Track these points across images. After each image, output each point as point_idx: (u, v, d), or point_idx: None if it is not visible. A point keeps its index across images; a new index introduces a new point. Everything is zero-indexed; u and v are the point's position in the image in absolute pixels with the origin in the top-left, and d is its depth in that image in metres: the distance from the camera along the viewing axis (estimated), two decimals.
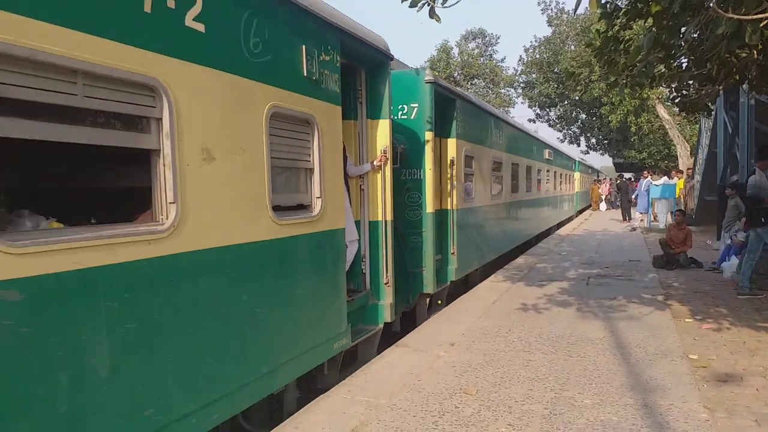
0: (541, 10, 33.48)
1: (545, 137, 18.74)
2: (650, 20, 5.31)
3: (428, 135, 7.00)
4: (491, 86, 40.33)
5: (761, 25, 3.97)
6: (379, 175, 5.73)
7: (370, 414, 4.04)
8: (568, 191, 23.38)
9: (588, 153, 40.18)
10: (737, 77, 6.49)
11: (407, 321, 7.07)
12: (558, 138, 39.67)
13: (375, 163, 5.70)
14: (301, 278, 4.26)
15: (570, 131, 38.66)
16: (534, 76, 35.80)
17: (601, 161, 54.87)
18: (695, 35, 5.56)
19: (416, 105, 6.94)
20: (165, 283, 2.97)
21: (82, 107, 2.55)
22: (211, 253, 3.29)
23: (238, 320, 3.55)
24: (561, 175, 21.13)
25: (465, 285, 9.09)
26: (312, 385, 5.01)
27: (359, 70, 5.57)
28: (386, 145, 5.74)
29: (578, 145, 39.35)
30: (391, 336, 6.29)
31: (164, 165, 2.94)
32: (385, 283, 5.82)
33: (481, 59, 40.01)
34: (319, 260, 4.54)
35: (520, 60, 37.42)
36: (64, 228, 2.74)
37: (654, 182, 18.86)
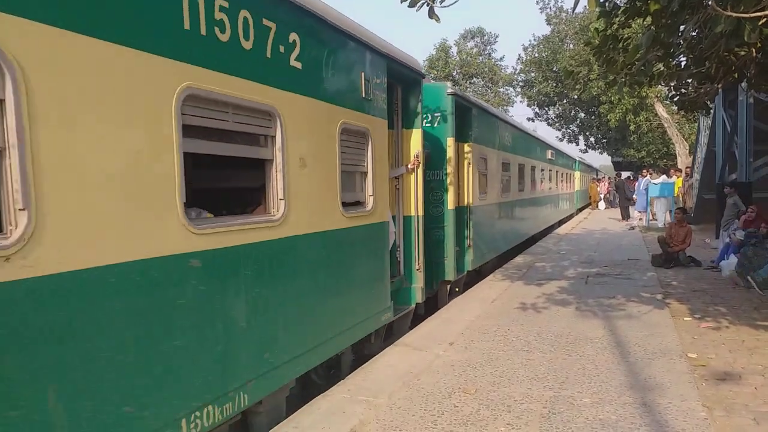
0: (540, 8, 33.45)
1: (547, 138, 19.23)
2: (649, 18, 5.31)
3: (450, 141, 7.92)
4: (490, 85, 40.32)
5: (760, 23, 3.97)
6: (412, 177, 6.60)
7: (369, 413, 4.03)
8: (569, 190, 24.30)
9: (587, 152, 40.21)
10: (736, 75, 6.49)
11: (429, 306, 7.63)
12: (557, 137, 39.72)
13: (409, 166, 6.53)
14: (360, 261, 5.26)
15: (569, 130, 38.67)
16: (533, 74, 35.79)
17: (600, 160, 54.86)
18: (694, 33, 5.56)
19: (439, 114, 7.84)
20: (277, 259, 3.96)
21: (230, 129, 3.57)
22: (305, 238, 4.30)
23: (321, 291, 4.52)
24: (562, 174, 21.93)
25: (478, 275, 9.78)
26: (360, 352, 5.77)
27: (396, 87, 6.39)
28: (418, 151, 6.61)
29: (577, 143, 39.37)
30: (416, 318, 6.93)
31: (276, 170, 3.94)
32: (417, 269, 6.73)
33: (480, 58, 39.98)
34: (372, 246, 5.49)
35: (518, 59, 37.37)
36: (214, 217, 3.63)
37: (653, 181, 18.87)
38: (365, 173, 5.36)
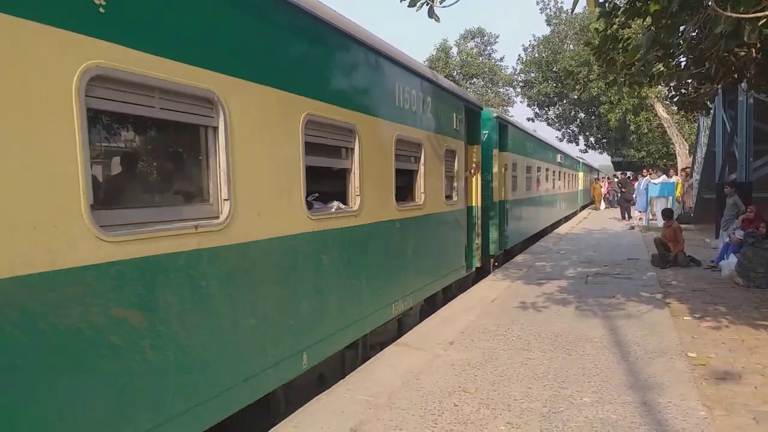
0: (540, 9, 33.43)
1: (556, 143, 21.15)
2: (649, 19, 5.31)
3: (495, 152, 10.63)
4: (490, 85, 40.28)
5: (760, 23, 3.98)
6: (474, 179, 9.28)
7: (369, 413, 4.04)
8: (574, 188, 27.44)
9: (587, 152, 40.09)
10: (736, 76, 6.50)
11: (479, 274, 10.01)
12: (557, 137, 39.57)
13: (472, 171, 9.13)
14: (451, 232, 8.15)
15: (569, 130, 38.60)
16: (533, 75, 35.73)
17: (600, 160, 54.83)
18: (694, 34, 5.57)
19: (487, 132, 10.28)
20: (422, 227, 6.84)
21: (403, 155, 6.31)
22: (432, 216, 7.21)
23: (436, 248, 7.45)
24: (570, 175, 25.00)
25: (510, 254, 12.52)
26: (447, 294, 8.31)
27: (465, 116, 8.86)
28: (478, 161, 9.37)
29: (577, 144, 39.29)
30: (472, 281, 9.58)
31: (420, 176, 6.80)
32: (477, 244, 9.46)
33: (480, 58, 39.94)
34: (457, 224, 8.43)
35: (518, 59, 37.27)
36: (398, 202, 6.10)
37: (653, 181, 18.88)
38: (452, 176, 8.15)
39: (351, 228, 5.01)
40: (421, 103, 6.77)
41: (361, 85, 5.29)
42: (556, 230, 18.77)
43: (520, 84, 38.26)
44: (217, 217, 3.38)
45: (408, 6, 4.81)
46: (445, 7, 4.84)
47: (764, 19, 3.95)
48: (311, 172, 4.47)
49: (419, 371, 4.89)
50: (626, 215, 21.64)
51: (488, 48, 40.69)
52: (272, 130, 3.92)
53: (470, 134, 9.17)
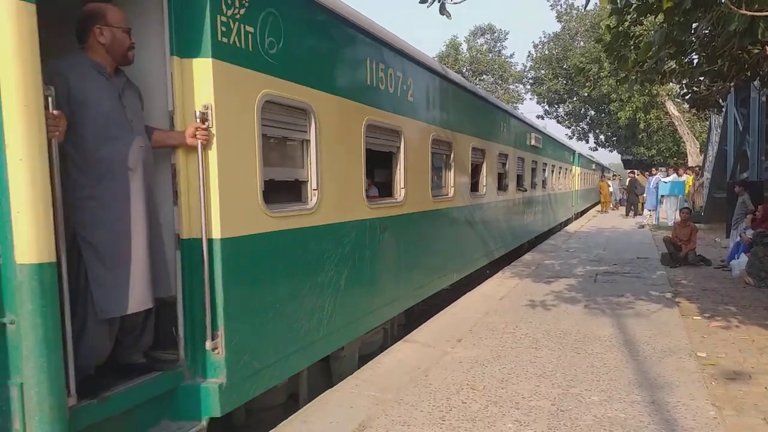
0: (550, 5, 33.28)
1: (589, 153, 33.62)
2: (661, 16, 5.27)
3: (576, 167, 21.91)
4: (500, 82, 40.16)
5: None
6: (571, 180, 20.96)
7: (377, 408, 4.06)
8: (596, 185, 35.01)
9: (596, 149, 39.90)
10: (749, 74, 6.44)
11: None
12: (566, 134, 39.40)
13: (572, 177, 20.38)
14: (568, 200, 20.49)
15: (579, 128, 38.43)
16: (543, 72, 35.60)
17: (610, 158, 54.63)
18: (707, 31, 5.52)
19: (573, 158, 21.15)
20: (567, 196, 20.25)
21: (562, 172, 18.27)
22: (568, 192, 20.15)
23: (566, 203, 19.89)
24: (595, 175, 33.26)
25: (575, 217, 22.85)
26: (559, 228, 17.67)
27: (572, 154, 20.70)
28: (573, 172, 21.16)
29: (587, 141, 39.09)
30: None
31: (568, 177, 19.73)
32: (572, 206, 21.54)
33: (490, 55, 39.82)
34: (570, 198, 20.91)
35: (529, 56, 37.24)
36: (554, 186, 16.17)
37: (663, 179, 18.78)
38: (570, 179, 20.04)
39: (573, 192, 20.61)
40: (574, 156, 20.67)
41: (551, 152, 14.42)
42: (565, 228, 18.82)
43: (530, 81, 38.12)
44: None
45: (419, 2, 4.80)
46: (456, 3, 4.83)
47: None
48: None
49: (427, 368, 4.90)
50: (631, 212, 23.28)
51: (498, 44, 40.57)
52: None
53: (573, 161, 19.94)
